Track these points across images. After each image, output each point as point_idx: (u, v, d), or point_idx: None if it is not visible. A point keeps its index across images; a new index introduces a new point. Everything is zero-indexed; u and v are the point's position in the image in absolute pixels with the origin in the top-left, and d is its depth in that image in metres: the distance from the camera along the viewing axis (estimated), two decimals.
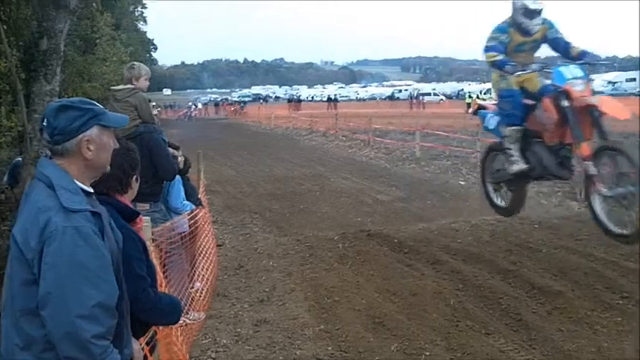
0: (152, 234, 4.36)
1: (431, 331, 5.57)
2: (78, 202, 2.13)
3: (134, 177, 3.00)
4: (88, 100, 2.38)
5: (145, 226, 3.68)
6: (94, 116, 2.24)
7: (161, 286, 3.77)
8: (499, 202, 7.69)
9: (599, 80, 79.36)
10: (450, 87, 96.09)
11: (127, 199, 2.97)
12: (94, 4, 17.06)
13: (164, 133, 5.87)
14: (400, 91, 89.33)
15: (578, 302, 6.05)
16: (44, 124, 2.22)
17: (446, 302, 6.17)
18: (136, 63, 6.05)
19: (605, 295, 6.21)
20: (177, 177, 6.01)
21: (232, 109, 67.45)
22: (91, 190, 2.27)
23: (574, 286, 6.47)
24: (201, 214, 6.70)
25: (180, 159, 6.17)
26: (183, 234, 5.79)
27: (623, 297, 6.14)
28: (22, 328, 2.10)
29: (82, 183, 2.22)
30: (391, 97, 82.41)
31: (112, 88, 6.18)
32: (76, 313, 2.01)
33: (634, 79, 73.95)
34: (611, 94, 63.37)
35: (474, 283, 6.63)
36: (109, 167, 2.37)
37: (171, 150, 5.96)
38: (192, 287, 6.12)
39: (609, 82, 74.53)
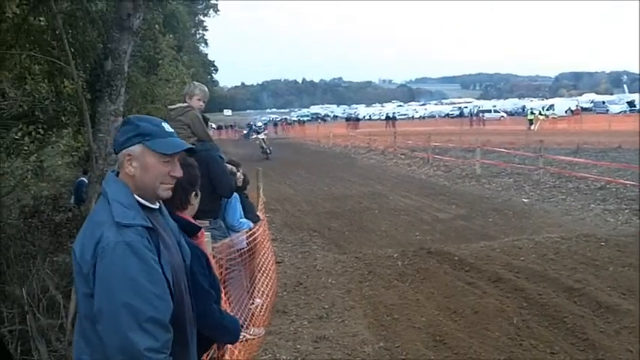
0: (212, 249, 4.42)
1: (493, 350, 5.45)
2: (131, 217, 2.15)
3: (193, 193, 3.03)
4: (152, 118, 2.38)
5: (206, 242, 3.74)
6: (138, 134, 2.24)
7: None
8: None
9: None
10: (512, 103, 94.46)
11: (187, 214, 3.00)
12: (156, 26, 17.54)
13: (221, 150, 5.96)
14: (460, 108, 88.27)
15: None
16: None
17: (509, 321, 6.03)
18: (194, 83, 6.19)
19: None
20: (235, 194, 6.06)
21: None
22: (153, 206, 2.29)
23: None
24: (260, 231, 6.76)
25: (240, 176, 6.24)
26: (241, 251, 5.84)
27: None
28: (88, 338, 2.14)
29: (141, 197, 2.24)
30: (449, 116, 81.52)
31: (169, 107, 6.33)
32: (128, 328, 2.03)
33: None
34: None
35: (538, 302, 6.46)
36: (163, 193, 2.33)
37: (229, 166, 6.05)
38: (253, 303, 6.17)
39: None
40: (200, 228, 3.06)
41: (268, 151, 32.77)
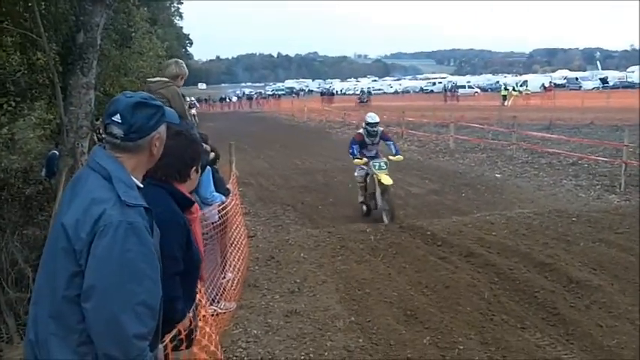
0: None
1: (464, 324, 5.45)
2: (134, 197, 2.11)
3: (194, 168, 2.98)
4: (152, 96, 2.35)
5: (198, 217, 3.64)
6: (163, 114, 2.25)
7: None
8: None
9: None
10: (486, 79, 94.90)
11: (185, 188, 2.94)
12: None
13: (196, 128, 5.86)
14: (434, 84, 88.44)
15: (618, 297, 5.88)
16: (117, 119, 2.15)
17: (480, 296, 6.05)
18: (181, 61, 6.12)
19: None
20: (207, 168, 5.98)
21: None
22: (142, 185, 2.24)
23: (613, 280, 6.31)
24: (231, 205, 6.67)
25: (208, 149, 6.16)
26: (214, 224, 5.76)
27: None
28: (62, 318, 2.04)
29: (136, 178, 2.20)
30: (423, 91, 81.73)
31: (148, 80, 6.22)
32: (120, 309, 1.97)
33: None
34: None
35: (510, 277, 6.49)
36: None
37: (204, 145, 5.95)
38: (224, 278, 6.11)
39: None
40: (193, 202, 2.99)
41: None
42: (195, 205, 3.01)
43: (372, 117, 10.90)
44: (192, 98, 74.24)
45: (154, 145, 2.22)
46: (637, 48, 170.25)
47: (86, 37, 7.76)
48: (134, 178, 2.18)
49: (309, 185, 14.54)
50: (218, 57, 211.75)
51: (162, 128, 2.25)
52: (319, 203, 12.35)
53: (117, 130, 2.15)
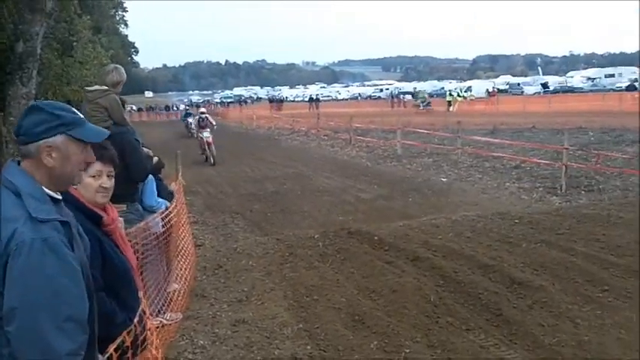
0: (127, 235, 4.25)
1: (411, 328, 5.51)
2: (46, 211, 2.01)
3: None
4: (65, 106, 2.24)
5: (120, 227, 3.58)
6: (61, 124, 2.11)
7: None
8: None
9: (579, 77, 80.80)
10: (431, 85, 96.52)
11: (79, 192, 2.87)
12: (72, 7, 16.86)
13: (137, 134, 5.76)
14: (381, 90, 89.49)
15: (558, 296, 6.03)
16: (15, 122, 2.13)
17: (426, 299, 6.12)
18: (120, 67, 6.00)
19: (586, 289, 6.20)
20: (150, 176, 5.92)
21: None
22: (59, 197, 2.15)
23: (555, 280, 6.46)
24: (174, 213, 6.59)
25: (151, 154, 6.11)
26: (157, 234, 5.68)
27: (604, 290, 6.15)
28: None
29: (50, 190, 2.10)
30: (371, 97, 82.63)
31: (86, 88, 6.10)
32: (47, 328, 1.89)
33: (612, 75, 74.76)
34: (591, 90, 64.39)
35: (455, 279, 6.59)
36: (78, 181, 2.27)
37: (145, 150, 5.89)
38: (169, 288, 6.03)
39: (588, 79, 75.51)
40: (101, 216, 2.90)
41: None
42: (112, 215, 2.94)
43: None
44: (133, 106, 73.31)
45: (47, 155, 2.09)
46: (576, 54, 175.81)
47: (25, 47, 7.59)
48: (48, 190, 2.09)
49: (258, 193, 14.49)
50: (165, 65, 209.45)
51: (58, 139, 2.10)
52: (268, 211, 12.32)
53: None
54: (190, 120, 33.59)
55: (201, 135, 21.31)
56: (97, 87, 5.68)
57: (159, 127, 45.71)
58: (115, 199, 4.64)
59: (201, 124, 21.68)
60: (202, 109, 24.35)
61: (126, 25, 60.78)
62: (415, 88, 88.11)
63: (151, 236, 5.52)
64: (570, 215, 9.36)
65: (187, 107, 50.68)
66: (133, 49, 69.67)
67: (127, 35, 63.35)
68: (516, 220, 9.04)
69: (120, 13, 57.76)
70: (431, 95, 76.83)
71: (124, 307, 2.79)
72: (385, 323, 5.60)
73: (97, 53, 23.66)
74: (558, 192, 12.87)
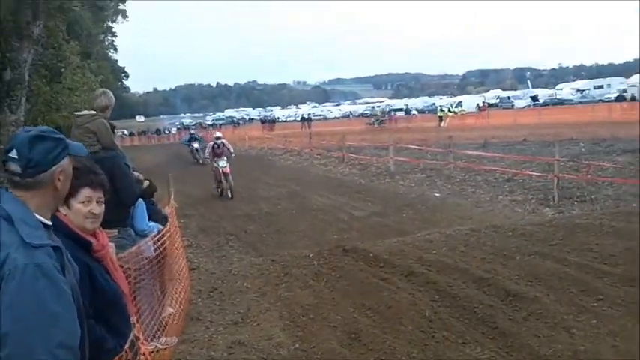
0: (118, 260, 4.25)
1: (407, 343, 5.51)
2: (39, 237, 2.02)
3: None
4: (53, 129, 2.29)
5: (110, 252, 3.58)
6: (66, 147, 2.17)
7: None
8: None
9: (567, 89, 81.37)
10: (422, 102, 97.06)
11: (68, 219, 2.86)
12: (60, 33, 16.93)
13: (127, 158, 5.78)
14: (373, 108, 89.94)
15: (553, 307, 6.05)
16: (13, 155, 2.08)
17: (421, 314, 6.12)
18: (109, 91, 6.03)
19: (580, 299, 6.23)
20: (140, 200, 5.92)
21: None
22: (50, 223, 2.16)
23: (549, 291, 6.48)
24: (167, 236, 6.59)
25: (141, 177, 6.12)
26: (150, 258, 5.68)
27: (598, 299, 6.17)
28: None
29: (43, 216, 2.12)
30: (363, 115, 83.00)
31: (75, 113, 6.13)
32: (39, 354, 1.88)
33: (601, 87, 75.30)
34: (580, 102, 64.77)
35: (450, 293, 6.59)
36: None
37: (135, 174, 5.90)
38: (164, 312, 6.01)
39: (577, 90, 76.04)
40: (90, 242, 2.90)
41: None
42: (102, 241, 2.94)
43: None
44: (125, 131, 73.22)
45: (58, 180, 2.14)
46: (565, 66, 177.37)
47: (13, 74, 7.62)
48: (40, 217, 2.11)
49: (252, 214, 14.50)
50: (155, 89, 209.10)
51: (66, 162, 2.17)
52: (263, 231, 12.34)
53: (14, 167, 2.09)
54: (196, 145, 31.22)
55: (215, 164, 17.58)
56: (85, 112, 5.71)
57: (152, 150, 45.68)
58: (106, 224, 4.64)
59: (216, 152, 17.82)
60: (218, 134, 20.02)
61: (115, 50, 61.06)
62: (406, 104, 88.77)
63: (144, 260, 5.52)
64: (563, 226, 9.39)
65: (193, 130, 45.12)
66: (123, 74, 69.89)
67: (116, 60, 63.60)
68: (510, 233, 9.06)
69: (109, 38, 58.08)
70: (422, 111, 77.27)
71: (114, 334, 2.78)
72: (381, 340, 5.60)
73: (86, 79, 23.70)
74: (551, 203, 12.94)
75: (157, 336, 5.43)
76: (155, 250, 5.89)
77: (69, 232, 2.76)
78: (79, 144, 2.33)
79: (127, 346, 2.84)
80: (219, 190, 17.91)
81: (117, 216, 5.14)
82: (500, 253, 8.00)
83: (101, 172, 3.06)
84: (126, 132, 73.36)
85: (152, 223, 6.24)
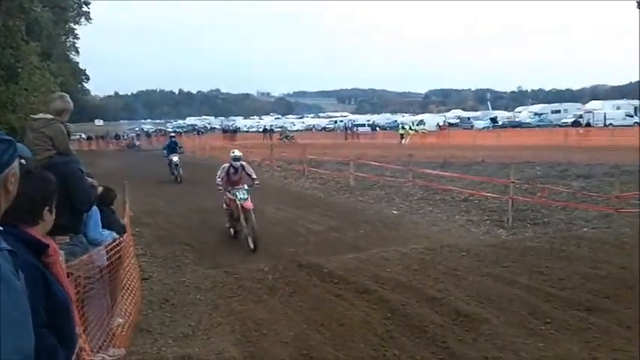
0: (68, 268, 4.16)
1: None
2: None
3: (47, 209, 2.83)
4: (1, 132, 2.20)
5: (60, 260, 3.50)
6: (15, 148, 2.10)
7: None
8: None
9: (526, 112, 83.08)
10: (384, 118, 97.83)
11: (37, 231, 2.80)
12: (18, 33, 16.60)
13: (81, 163, 5.67)
14: (336, 122, 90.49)
15: (502, 329, 6.13)
16: None
17: (374, 332, 6.14)
18: (66, 95, 5.92)
19: (529, 322, 6.32)
20: (94, 207, 5.81)
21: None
22: (1, 228, 2.10)
23: (499, 312, 6.56)
24: (122, 245, 6.48)
25: (95, 183, 6.01)
26: (101, 267, 5.57)
27: (546, 322, 6.27)
28: None
29: None
30: (326, 129, 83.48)
31: (31, 117, 6.00)
32: None
33: (559, 111, 77.09)
34: (538, 125, 66.22)
35: (402, 312, 6.63)
36: None
37: (89, 180, 5.79)
38: (113, 323, 5.89)
39: (535, 114, 77.74)
40: (48, 245, 2.85)
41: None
42: (52, 247, 2.88)
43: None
44: (82, 134, 71.96)
45: (10, 182, 2.07)
46: (524, 89, 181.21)
47: None
48: None
49: (210, 224, 14.36)
50: (117, 93, 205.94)
51: (16, 164, 2.11)
52: (219, 242, 12.22)
53: None
54: (176, 159, 25.23)
55: (232, 195, 12.48)
56: (42, 115, 5.59)
57: (110, 156, 45.02)
58: (58, 230, 4.54)
59: (232, 178, 12.95)
60: (236, 152, 13.44)
61: (77, 52, 60.17)
62: (369, 120, 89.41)
63: (95, 269, 5.42)
64: (515, 248, 9.56)
65: (173, 135, 30.11)
66: (84, 77, 68.69)
67: (78, 62, 62.55)
68: (463, 253, 9.17)
69: (71, 39, 57.27)
70: (384, 128, 77.86)
71: (64, 343, 2.72)
72: (333, 357, 5.59)
73: (45, 80, 23.23)
74: (505, 225, 13.13)
75: (104, 347, 5.32)
76: (108, 259, 5.79)
77: (23, 235, 2.69)
78: (22, 145, 2.29)
79: (73, 358, 2.78)
80: (235, 231, 12.76)
81: (69, 222, 5.05)
82: (453, 273, 8.09)
83: (51, 177, 2.99)
84: (84, 135, 72.18)
85: (107, 232, 6.13)
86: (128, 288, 6.65)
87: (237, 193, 12.38)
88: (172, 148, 25.87)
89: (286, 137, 55.02)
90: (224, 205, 13.07)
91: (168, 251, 11.42)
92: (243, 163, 13.43)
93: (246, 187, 12.65)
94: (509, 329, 6.12)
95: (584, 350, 5.58)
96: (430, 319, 6.38)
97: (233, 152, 13.47)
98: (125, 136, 72.45)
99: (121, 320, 6.10)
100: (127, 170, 28.16)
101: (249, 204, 12.19)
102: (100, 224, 5.99)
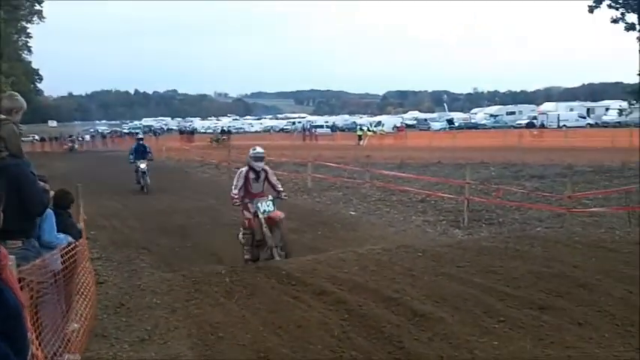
0: (20, 273, 4.10)
1: None
2: None
3: None
4: None
5: (10, 265, 3.44)
6: None
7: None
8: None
9: (482, 114, 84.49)
10: (342, 119, 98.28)
11: None
12: None
13: (33, 166, 5.56)
14: (294, 123, 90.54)
15: (457, 328, 6.23)
16: None
17: (331, 333, 6.17)
18: (16, 94, 5.76)
19: (483, 320, 6.42)
20: (49, 210, 5.72)
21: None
22: None
23: (454, 312, 6.66)
24: (78, 249, 6.39)
25: (47, 187, 5.92)
26: (55, 271, 5.49)
27: (500, 321, 6.38)
28: None
29: None
30: (284, 130, 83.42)
31: None
32: None
33: (513, 113, 78.55)
34: (493, 127, 67.42)
35: (359, 313, 6.68)
36: None
37: (42, 183, 5.69)
38: (68, 328, 5.80)
39: (491, 115, 79.10)
40: None
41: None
42: (2, 252, 2.83)
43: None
44: (35, 136, 70.28)
45: None
46: (480, 91, 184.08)
47: None
48: None
49: (166, 227, 14.24)
50: (71, 93, 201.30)
51: None
52: (176, 245, 12.14)
53: None
54: (144, 166, 22.02)
55: (252, 208, 10.04)
56: None
57: (64, 158, 44.14)
58: (10, 234, 4.45)
59: (254, 188, 10.20)
60: (258, 149, 10.42)
61: (30, 51, 58.99)
62: (327, 121, 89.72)
63: (49, 274, 5.33)
64: (471, 248, 9.72)
65: (141, 138, 25.24)
66: (36, 77, 67.26)
67: (30, 62, 61.27)
68: (420, 253, 9.29)
69: (23, 38, 56.10)
70: (342, 129, 78.20)
71: (16, 350, 2.68)
72: (290, 359, 5.60)
73: None
74: (461, 225, 13.36)
75: (58, 353, 5.24)
76: (63, 263, 5.70)
77: None
78: None
79: None
80: (252, 258, 9.98)
81: (21, 226, 4.96)
82: (409, 273, 8.19)
83: None
84: (37, 137, 70.57)
85: (62, 235, 6.03)
86: (83, 292, 6.56)
87: (259, 205, 9.84)
88: (141, 152, 22.55)
89: (217, 140, 54.52)
90: (241, 231, 10.28)
91: (124, 255, 11.28)
92: (266, 167, 10.45)
93: (270, 197, 10.09)
94: (464, 328, 6.22)
95: (537, 348, 5.71)
96: (387, 320, 6.45)
97: (254, 149, 10.32)
98: (80, 138, 71.08)
99: (76, 325, 6.01)
100: (81, 171, 27.69)
101: (277, 213, 9.89)
102: (56, 227, 5.89)
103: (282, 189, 10.50)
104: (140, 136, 26.04)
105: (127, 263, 10.62)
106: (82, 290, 6.55)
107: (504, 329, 6.21)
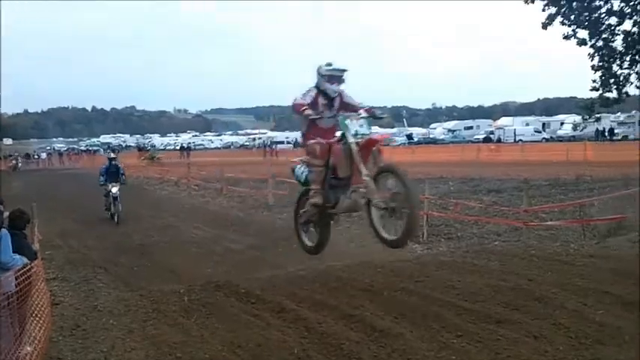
0: None
1: None
2: None
3: None
4: None
5: None
6: None
7: None
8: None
9: (440, 129, 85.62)
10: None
11: None
12: None
13: None
14: (254, 139, 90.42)
15: (416, 343, 6.26)
16: None
17: (290, 351, 6.15)
18: None
19: (442, 335, 6.47)
20: (4, 231, 5.64)
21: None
22: None
23: (413, 327, 6.70)
24: (33, 270, 6.27)
25: (1, 209, 5.83)
26: (9, 293, 5.38)
27: (458, 336, 6.44)
28: None
29: None
30: (244, 146, 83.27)
31: None
32: None
33: (471, 127, 79.79)
34: (452, 142, 68.30)
35: (318, 330, 6.67)
36: None
37: None
38: (22, 351, 5.68)
39: (449, 130, 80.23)
40: None
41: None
42: None
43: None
44: None
45: None
46: (438, 106, 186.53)
47: None
48: None
49: (124, 245, 14.08)
50: (26, 110, 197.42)
51: None
52: (134, 265, 12.00)
53: None
54: (115, 190, 18.78)
55: (341, 127, 7.40)
56: None
57: (20, 177, 43.20)
58: None
59: (326, 109, 7.82)
60: (337, 89, 7.76)
61: None
62: (287, 137, 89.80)
63: (2, 296, 5.23)
64: (429, 263, 9.83)
65: (114, 157, 21.73)
66: None
67: None
68: (379, 269, 9.35)
69: None
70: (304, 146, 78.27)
71: None
72: None
73: None
74: (420, 240, 13.47)
75: None
76: (17, 285, 5.60)
77: None
78: None
79: None
80: (322, 202, 7.94)
81: None
82: (369, 289, 8.22)
83: None
84: None
85: (17, 256, 5.93)
86: (37, 314, 6.42)
87: (347, 123, 7.18)
88: (113, 174, 19.36)
89: (151, 158, 54.88)
90: (299, 164, 8.29)
91: (81, 274, 11.10)
92: (341, 89, 7.75)
93: (362, 113, 7.42)
94: (422, 344, 6.26)
95: None
96: (346, 336, 6.45)
97: (329, 63, 7.66)
98: (35, 156, 69.60)
99: (29, 348, 5.88)
100: (38, 190, 27.14)
101: (377, 137, 7.43)
102: (11, 248, 5.80)
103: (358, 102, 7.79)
104: (112, 155, 22.54)
105: (84, 283, 10.47)
106: (36, 312, 6.41)
107: (462, 344, 6.27)
